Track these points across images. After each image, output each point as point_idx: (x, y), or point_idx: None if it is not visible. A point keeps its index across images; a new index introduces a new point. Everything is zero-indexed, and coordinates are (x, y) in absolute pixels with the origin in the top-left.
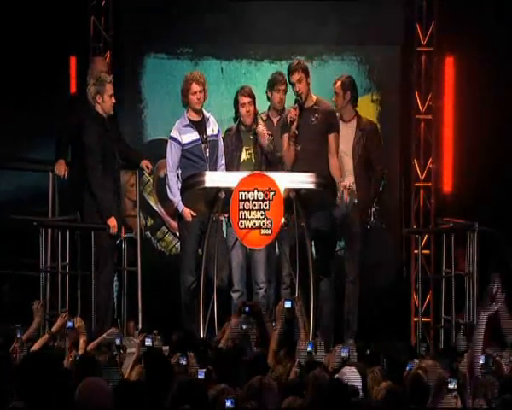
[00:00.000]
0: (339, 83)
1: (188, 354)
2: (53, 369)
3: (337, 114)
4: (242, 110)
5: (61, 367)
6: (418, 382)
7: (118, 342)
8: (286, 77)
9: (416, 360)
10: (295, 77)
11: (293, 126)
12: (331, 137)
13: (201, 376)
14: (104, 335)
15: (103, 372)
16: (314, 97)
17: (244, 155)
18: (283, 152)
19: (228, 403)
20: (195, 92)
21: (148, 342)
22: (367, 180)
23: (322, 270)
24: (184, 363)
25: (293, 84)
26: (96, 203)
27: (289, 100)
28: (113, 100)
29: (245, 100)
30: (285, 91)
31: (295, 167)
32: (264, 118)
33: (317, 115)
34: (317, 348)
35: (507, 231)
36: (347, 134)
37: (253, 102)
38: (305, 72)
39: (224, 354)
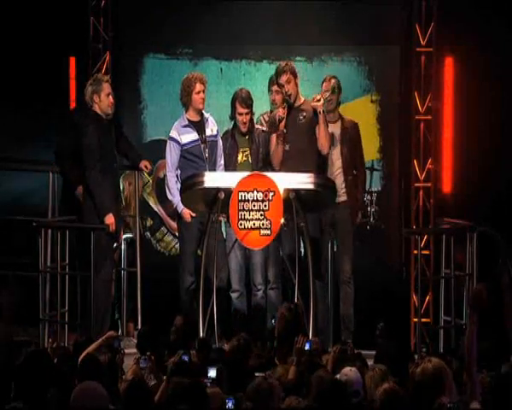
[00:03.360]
0: (334, 81)
1: (190, 352)
2: (51, 369)
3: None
4: (239, 118)
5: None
6: (426, 379)
7: (116, 345)
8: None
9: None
10: (284, 78)
11: (282, 125)
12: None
13: (212, 373)
14: (103, 338)
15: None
16: (302, 98)
17: (240, 157)
18: (271, 152)
19: (229, 404)
20: (199, 92)
21: (143, 364)
22: (354, 180)
23: (313, 272)
24: (186, 360)
25: (281, 86)
26: (93, 202)
27: None
28: (111, 99)
29: (242, 110)
30: (278, 92)
31: (284, 167)
32: (267, 119)
33: (304, 114)
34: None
35: (507, 232)
36: (334, 135)
37: (251, 110)
38: (294, 73)
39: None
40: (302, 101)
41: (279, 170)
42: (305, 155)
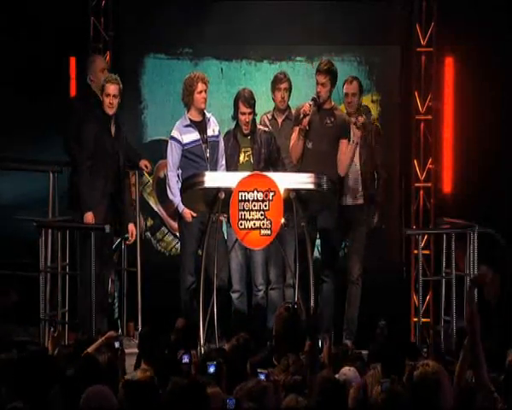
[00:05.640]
0: (356, 83)
1: (191, 351)
2: (51, 368)
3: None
4: (241, 118)
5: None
6: (425, 381)
7: (117, 345)
8: (288, 75)
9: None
10: (321, 79)
11: (305, 121)
12: (343, 141)
13: (212, 369)
14: (103, 338)
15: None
16: (332, 102)
17: (242, 157)
18: (291, 145)
19: (229, 404)
20: (201, 91)
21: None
22: (372, 183)
23: (326, 270)
24: (187, 361)
25: (316, 83)
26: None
27: (301, 99)
28: (111, 100)
29: (245, 110)
30: (287, 89)
31: (303, 165)
32: (270, 118)
33: (333, 119)
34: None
35: (507, 232)
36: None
37: (253, 110)
38: (333, 78)
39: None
40: (332, 104)
41: (296, 165)
42: (326, 157)
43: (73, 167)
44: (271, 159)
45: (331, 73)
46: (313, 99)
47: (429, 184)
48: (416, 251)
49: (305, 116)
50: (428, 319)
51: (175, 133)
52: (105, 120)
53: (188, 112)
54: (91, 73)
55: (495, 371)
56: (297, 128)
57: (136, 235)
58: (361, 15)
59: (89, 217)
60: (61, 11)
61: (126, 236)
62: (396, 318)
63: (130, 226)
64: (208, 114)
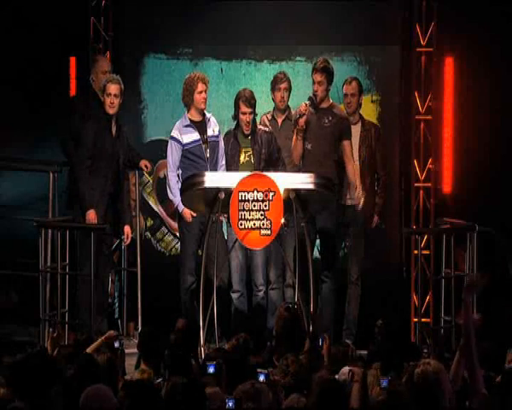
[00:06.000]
0: (355, 83)
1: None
2: (51, 368)
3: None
4: (242, 118)
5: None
6: (426, 381)
7: (117, 345)
8: (287, 75)
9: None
10: (317, 78)
11: (301, 121)
12: (346, 143)
13: (212, 369)
14: (102, 337)
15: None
16: (330, 101)
17: (243, 158)
18: (292, 146)
19: (229, 404)
20: (201, 91)
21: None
22: (372, 183)
23: (326, 271)
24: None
25: (313, 82)
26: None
27: (301, 99)
28: (112, 100)
29: (246, 110)
30: (287, 89)
31: (304, 165)
32: (269, 118)
33: (330, 118)
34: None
35: (507, 232)
36: (354, 136)
37: (254, 110)
38: (329, 77)
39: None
40: (330, 103)
41: (298, 164)
42: (325, 157)
43: (71, 167)
44: (272, 159)
45: (327, 72)
46: (310, 99)
47: (429, 184)
48: (416, 251)
49: (301, 116)
50: (428, 319)
51: (175, 133)
52: (106, 119)
53: (188, 112)
54: (93, 73)
55: (493, 372)
56: (295, 130)
57: (135, 235)
58: (361, 15)
59: (91, 214)
60: (61, 11)
61: (122, 237)
62: (396, 318)
63: (126, 228)
64: (208, 114)
